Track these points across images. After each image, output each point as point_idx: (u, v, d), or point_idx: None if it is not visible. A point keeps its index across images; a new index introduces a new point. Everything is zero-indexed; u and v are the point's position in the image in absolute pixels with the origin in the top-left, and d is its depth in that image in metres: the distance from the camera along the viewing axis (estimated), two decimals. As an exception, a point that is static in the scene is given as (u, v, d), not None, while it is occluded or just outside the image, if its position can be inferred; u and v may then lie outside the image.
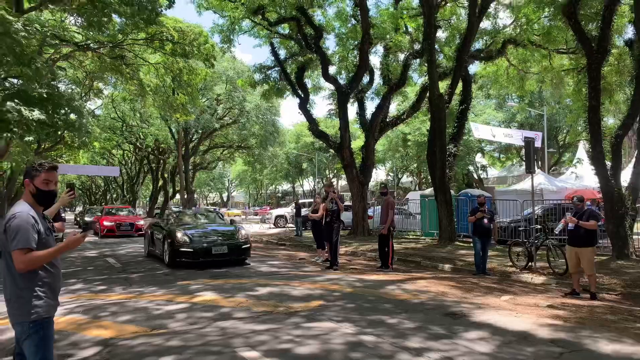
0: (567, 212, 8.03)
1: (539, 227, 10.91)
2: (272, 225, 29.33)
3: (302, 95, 21.20)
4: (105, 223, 22.98)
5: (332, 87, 22.04)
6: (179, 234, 11.21)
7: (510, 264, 10.77)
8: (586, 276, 8.02)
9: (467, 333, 5.52)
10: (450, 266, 11.32)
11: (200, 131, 41.91)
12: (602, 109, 12.01)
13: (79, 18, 15.79)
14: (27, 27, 10.32)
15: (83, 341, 5.35)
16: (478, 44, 19.77)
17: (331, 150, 29.65)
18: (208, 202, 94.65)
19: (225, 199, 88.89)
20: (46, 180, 3.09)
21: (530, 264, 10.34)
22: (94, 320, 6.29)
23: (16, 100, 10.76)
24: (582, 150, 26.10)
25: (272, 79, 22.40)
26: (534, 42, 18.06)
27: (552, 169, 36.28)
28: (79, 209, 60.20)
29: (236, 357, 4.74)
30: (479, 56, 19.60)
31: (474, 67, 23.69)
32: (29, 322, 2.92)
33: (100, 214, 26.30)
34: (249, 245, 11.86)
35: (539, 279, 9.51)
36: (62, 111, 11.99)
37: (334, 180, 58.63)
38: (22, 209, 2.98)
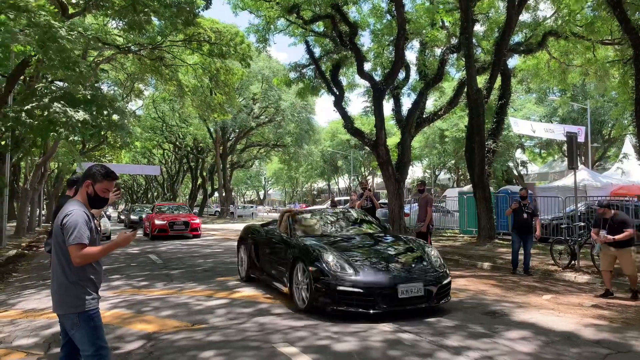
0: (601, 230, 7.69)
1: (582, 224, 10.58)
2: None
3: (337, 93, 21.17)
4: (157, 222, 20.22)
5: (367, 84, 21.92)
6: (330, 258, 6.28)
7: (552, 262, 10.50)
8: (627, 276, 7.75)
9: (508, 332, 5.43)
10: (489, 264, 11.12)
11: (237, 130, 42.67)
12: (650, 101, 11.54)
13: (120, 22, 16.29)
14: (72, 32, 10.69)
15: (128, 335, 5.53)
16: (517, 37, 19.31)
17: (366, 148, 29.51)
18: (245, 199, 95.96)
19: (261, 197, 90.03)
20: (106, 189, 3.29)
21: (573, 262, 10.04)
22: (137, 314, 6.49)
23: (62, 102, 11.16)
24: (629, 144, 25.15)
25: (307, 77, 22.48)
26: (577, 33, 17.48)
27: (597, 164, 35.08)
28: (121, 207, 62.05)
29: (275, 352, 4.80)
30: (518, 49, 19.14)
31: (513, 61, 23.23)
32: (78, 314, 3.06)
33: (150, 212, 23.56)
34: (449, 278, 6.67)
35: (582, 278, 9.23)
36: (105, 112, 12.36)
37: (369, 178, 58.42)
38: (77, 207, 3.16)
